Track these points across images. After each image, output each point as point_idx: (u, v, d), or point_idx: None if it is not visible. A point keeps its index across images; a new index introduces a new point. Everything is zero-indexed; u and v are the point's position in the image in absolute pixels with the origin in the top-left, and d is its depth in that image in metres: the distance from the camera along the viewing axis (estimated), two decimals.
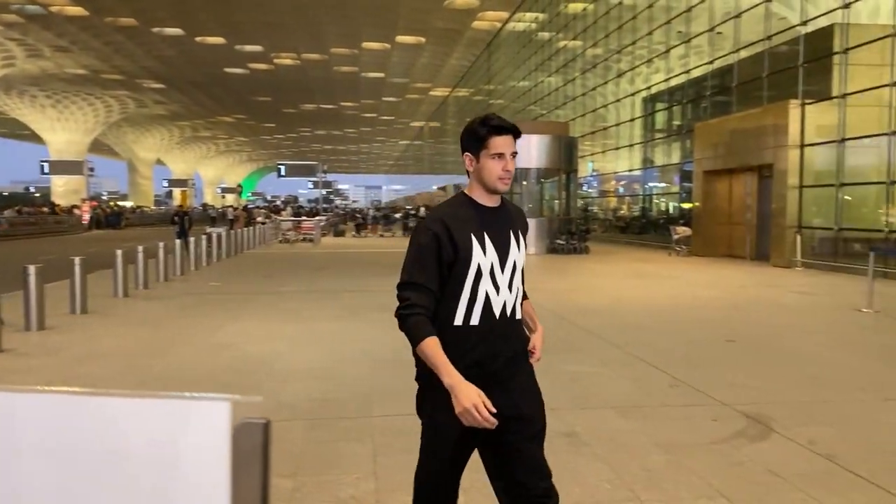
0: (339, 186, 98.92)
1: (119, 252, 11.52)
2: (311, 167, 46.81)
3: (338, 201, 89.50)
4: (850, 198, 16.10)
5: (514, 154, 2.35)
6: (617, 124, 29.80)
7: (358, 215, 41.49)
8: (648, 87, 26.80)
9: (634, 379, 6.16)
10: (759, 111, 17.93)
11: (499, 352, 2.32)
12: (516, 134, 2.36)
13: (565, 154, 22.95)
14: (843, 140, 15.64)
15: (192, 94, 59.75)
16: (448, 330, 2.27)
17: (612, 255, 20.82)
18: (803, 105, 16.51)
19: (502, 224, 2.37)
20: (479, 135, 2.32)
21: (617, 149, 30.20)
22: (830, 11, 16.30)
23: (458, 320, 2.28)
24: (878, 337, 8.24)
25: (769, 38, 18.34)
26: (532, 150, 22.06)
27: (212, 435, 0.91)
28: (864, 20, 15.72)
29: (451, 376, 2.16)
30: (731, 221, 20.15)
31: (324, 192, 47.80)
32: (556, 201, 24.48)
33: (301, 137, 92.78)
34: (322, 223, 31.91)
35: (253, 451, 0.92)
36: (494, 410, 2.15)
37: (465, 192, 2.41)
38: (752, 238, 18.91)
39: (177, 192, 64.90)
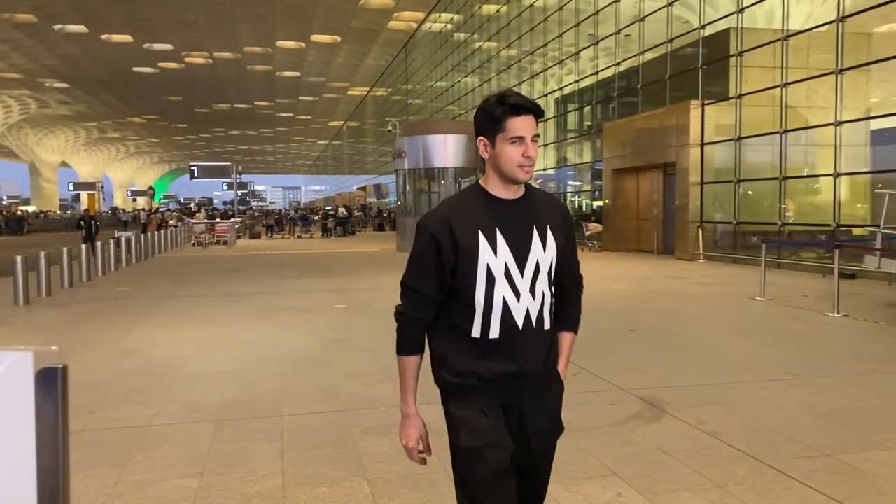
0: (256, 187, 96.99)
1: (19, 258, 11.05)
2: (224, 168, 45.82)
3: (254, 203, 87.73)
4: (751, 192, 17.01)
5: (537, 137, 2.04)
6: None
7: (271, 217, 40.82)
8: (561, 88, 27.48)
9: None
10: (663, 111, 18.72)
11: (527, 368, 2.05)
12: (538, 113, 2.05)
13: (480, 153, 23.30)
14: (740, 138, 16.51)
15: (98, 94, 57.47)
16: (466, 341, 2.04)
17: None
18: (703, 105, 17.33)
19: (523, 218, 2.06)
20: (494, 115, 2.00)
21: (545, 146, 30.85)
22: (727, 16, 17.16)
23: (476, 331, 2.03)
24: (767, 323, 8.78)
25: (671, 41, 19.13)
26: (449, 150, 22.41)
27: (18, 381, 1.10)
28: (762, 24, 16.61)
29: (407, 406, 2.08)
30: (639, 217, 20.94)
31: (239, 193, 46.80)
32: None
33: (215, 138, 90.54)
34: (237, 225, 31.28)
35: (51, 394, 1.11)
36: (427, 455, 2.12)
37: (480, 182, 2.11)
38: (659, 233, 19.72)
39: (84, 195, 62.24)
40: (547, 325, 2.10)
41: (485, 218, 2.01)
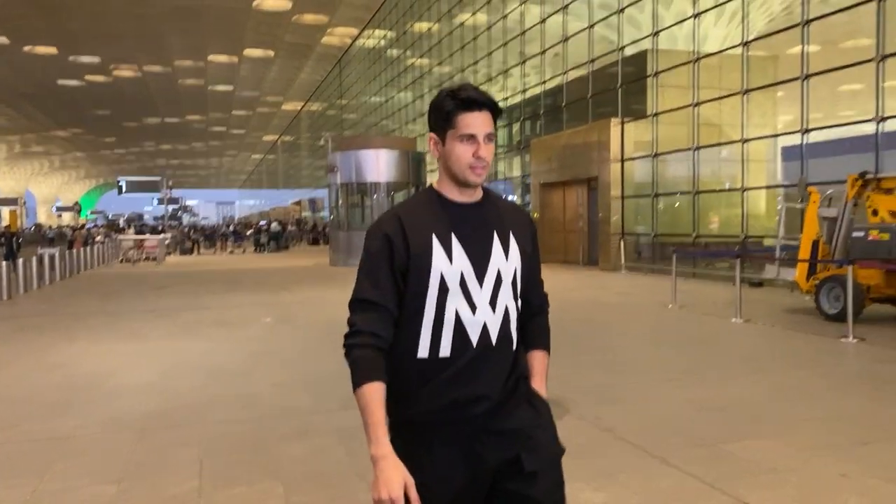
0: (188, 202, 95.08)
1: None
2: (154, 183, 44.95)
3: (186, 218, 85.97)
4: (671, 205, 17.83)
5: (491, 136, 1.82)
6: None
7: (201, 232, 40.20)
8: None
9: None
10: (586, 128, 19.45)
11: (482, 392, 1.77)
12: (494, 110, 1.82)
13: (413, 168, 23.66)
14: (657, 154, 17.31)
15: (20, 107, 55.52)
16: (411, 363, 1.77)
17: None
18: (622, 123, 18.10)
19: (482, 223, 1.85)
20: (444, 110, 1.80)
21: None
22: (643, 38, 18.00)
23: (423, 350, 1.76)
24: (674, 328, 9.33)
25: (592, 61, 19.91)
26: (381, 165, 22.70)
27: None
28: (683, 45, 17.47)
29: (378, 445, 1.65)
30: (566, 230, 21.62)
31: (170, 208, 45.94)
32: None
33: (145, 152, 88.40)
34: (167, 241, 30.77)
35: None
36: None
37: (434, 185, 1.90)
38: (584, 245, 20.41)
39: (4, 211, 59.93)
40: (510, 343, 1.84)
41: (439, 221, 1.80)
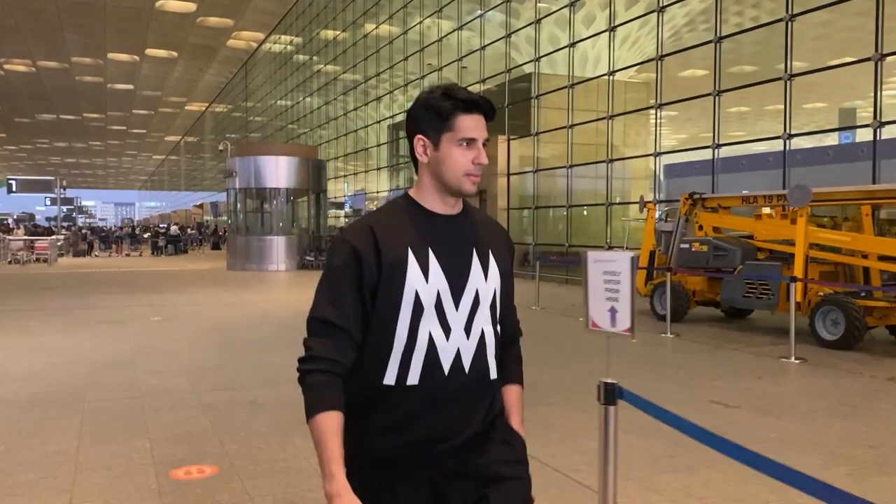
0: (84, 203, 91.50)
1: None
2: (47, 183, 43.53)
3: (82, 219, 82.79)
4: (553, 216, 19.28)
5: (487, 142, 1.69)
6: (362, 149, 31.82)
7: (90, 234, 39.27)
8: (392, 116, 29.11)
9: None
10: None
11: (453, 427, 1.63)
12: (490, 115, 1.70)
13: (314, 175, 24.30)
14: (537, 170, 18.75)
15: None
16: (375, 389, 1.62)
17: None
18: (508, 140, 19.46)
19: (462, 239, 1.70)
20: (441, 111, 1.64)
21: (378, 169, 32.24)
22: (526, 63, 19.43)
23: (390, 377, 1.61)
24: (529, 326, 10.52)
25: (483, 80, 21.23)
26: (281, 172, 23.23)
27: None
28: (562, 70, 18.91)
29: (333, 482, 1.47)
30: None
31: (64, 209, 44.54)
32: (307, 220, 25.74)
33: (38, 150, 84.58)
34: (59, 242, 30.13)
35: None
36: None
37: (411, 193, 1.73)
38: None
39: None
40: (486, 373, 1.70)
41: (415, 233, 1.64)
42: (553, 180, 18.94)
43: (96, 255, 32.66)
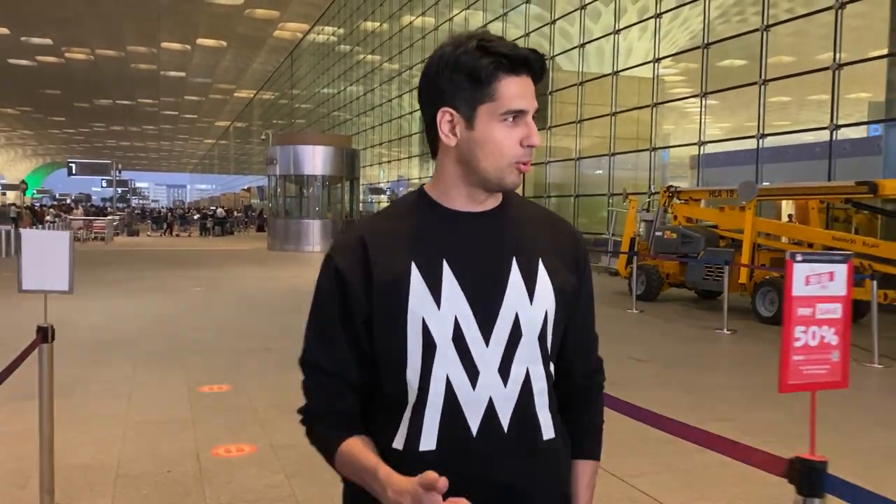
0: (138, 185, 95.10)
1: None
2: (104, 166, 46.10)
3: (136, 200, 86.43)
4: (560, 204, 20.63)
5: (537, 114, 1.20)
6: (404, 136, 33.40)
7: (150, 215, 41.63)
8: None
9: None
10: None
11: None
12: (541, 75, 1.19)
13: (348, 163, 25.96)
14: (550, 162, 20.07)
15: None
16: (384, 458, 1.14)
17: None
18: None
19: (493, 245, 1.20)
20: (478, 72, 1.13)
21: (420, 156, 33.83)
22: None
23: (398, 440, 1.17)
24: None
25: None
26: (318, 160, 24.93)
27: None
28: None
29: (375, 478, 1.10)
30: None
31: (119, 190, 47.24)
32: (339, 205, 27.47)
33: (94, 133, 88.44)
34: (115, 222, 32.49)
35: None
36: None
37: (426, 188, 1.25)
38: None
39: None
40: (537, 432, 1.19)
41: (424, 240, 1.19)
42: (555, 171, 20.18)
43: (148, 235, 35.00)
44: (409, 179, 35.38)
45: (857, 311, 8.59)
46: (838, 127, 11.41)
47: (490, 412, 1.16)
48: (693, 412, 5.08)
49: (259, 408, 5.24)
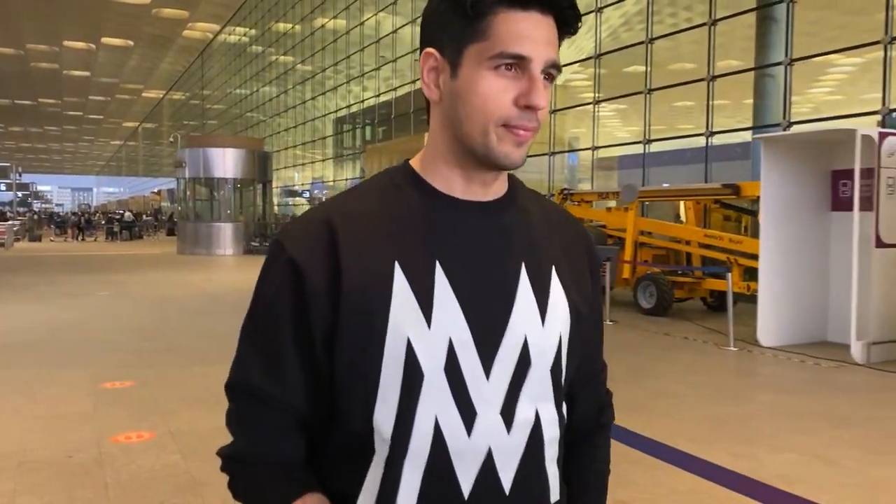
0: (40, 188, 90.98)
1: None
2: (2, 168, 44.19)
3: (38, 204, 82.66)
4: None
5: (557, 68, 0.89)
6: (319, 138, 33.49)
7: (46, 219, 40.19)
8: (337, 111, 30.83)
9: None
10: (408, 139, 22.64)
11: None
12: (567, 21, 0.89)
13: (259, 166, 25.92)
14: None
15: None
16: None
17: None
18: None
19: (498, 246, 0.93)
20: (465, 1, 0.85)
21: (325, 160, 33.90)
22: None
23: (367, 498, 0.90)
24: None
25: (413, 82, 23.10)
26: (228, 162, 24.79)
27: None
28: None
29: None
30: None
31: (20, 194, 45.31)
32: (252, 208, 27.36)
33: None
34: (16, 227, 31.31)
35: None
36: None
37: (413, 162, 0.98)
38: None
39: None
40: (546, 495, 0.95)
41: (410, 233, 0.90)
42: None
43: (52, 240, 33.82)
44: (324, 182, 35.47)
45: (723, 302, 9.52)
46: (712, 133, 12.45)
47: (488, 467, 0.88)
48: None
49: (161, 400, 5.55)
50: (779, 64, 11.84)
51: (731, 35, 13.47)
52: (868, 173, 7.30)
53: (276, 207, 31.92)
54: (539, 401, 0.93)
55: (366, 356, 0.88)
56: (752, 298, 9.35)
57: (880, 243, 7.32)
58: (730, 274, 8.24)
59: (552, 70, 0.88)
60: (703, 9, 13.31)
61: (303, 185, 38.55)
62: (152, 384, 6.03)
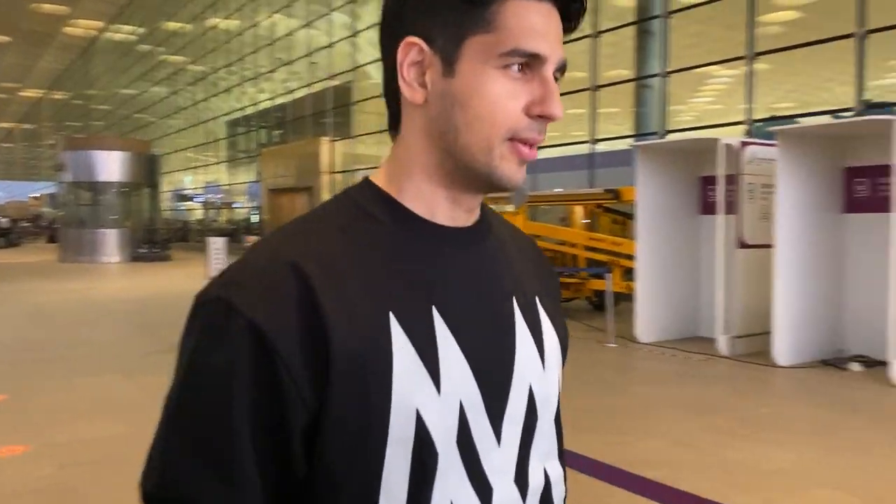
0: None
1: None
2: None
3: None
4: None
5: (561, 74, 0.75)
6: (212, 140, 32.58)
7: None
8: (230, 113, 30.13)
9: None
10: (304, 142, 22.42)
11: None
12: (571, 16, 0.75)
13: (147, 169, 24.98)
14: (356, 170, 20.76)
15: None
16: None
17: (190, 261, 23.47)
18: (332, 141, 21.32)
19: (492, 280, 0.79)
20: None
21: (218, 163, 32.97)
22: (346, 71, 21.37)
23: None
24: None
25: (310, 85, 22.94)
26: (113, 166, 23.71)
27: None
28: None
29: None
30: None
31: None
32: (140, 213, 26.33)
33: None
34: None
35: None
36: None
37: (376, 180, 0.80)
38: None
39: None
40: None
41: (401, 277, 0.73)
42: (358, 178, 20.93)
43: None
44: (219, 185, 34.54)
45: (602, 301, 10.00)
46: (597, 141, 13.05)
47: None
48: None
49: (35, 413, 5.35)
50: (655, 75, 12.56)
51: (622, 46, 14.06)
52: (731, 179, 7.88)
53: (166, 212, 30.83)
54: (546, 459, 0.82)
55: (365, 443, 0.68)
56: (633, 297, 9.87)
57: (743, 244, 7.92)
58: (609, 275, 8.67)
59: (558, 73, 0.74)
60: (590, 20, 13.78)
61: (196, 189, 37.35)
62: (26, 397, 5.79)
